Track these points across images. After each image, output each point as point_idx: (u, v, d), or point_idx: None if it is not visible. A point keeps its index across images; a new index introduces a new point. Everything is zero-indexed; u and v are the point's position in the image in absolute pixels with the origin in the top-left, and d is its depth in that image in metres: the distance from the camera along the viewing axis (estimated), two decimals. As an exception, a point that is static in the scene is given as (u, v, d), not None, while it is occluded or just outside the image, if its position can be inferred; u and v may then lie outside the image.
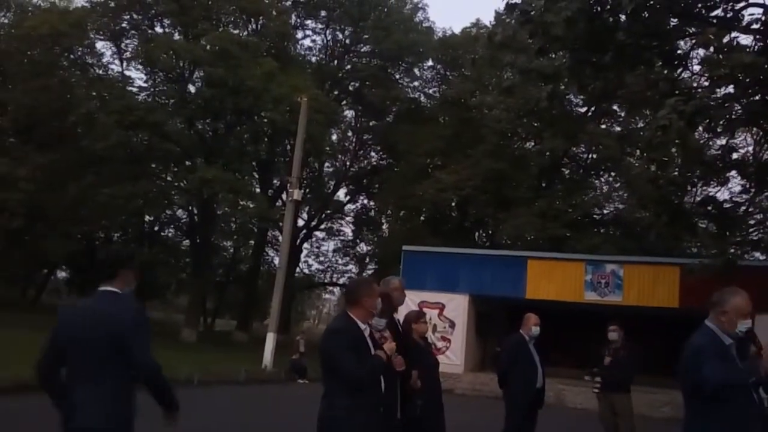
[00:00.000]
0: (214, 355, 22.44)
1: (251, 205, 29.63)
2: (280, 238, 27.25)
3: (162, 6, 28.19)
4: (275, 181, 34.12)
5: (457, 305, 21.44)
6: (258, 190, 32.80)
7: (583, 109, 27.26)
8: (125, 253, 4.61)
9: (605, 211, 30.68)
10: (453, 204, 30.67)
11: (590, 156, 31.06)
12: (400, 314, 6.33)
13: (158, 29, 29.98)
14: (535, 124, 27.06)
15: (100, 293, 3.77)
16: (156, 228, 36.38)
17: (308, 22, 33.78)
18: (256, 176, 34.20)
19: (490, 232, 31.64)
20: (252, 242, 35.08)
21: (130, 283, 3.91)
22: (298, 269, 35.42)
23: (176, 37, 29.50)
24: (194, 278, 31.20)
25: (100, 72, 30.69)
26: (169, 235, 37.49)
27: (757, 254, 23.24)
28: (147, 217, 34.38)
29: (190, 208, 32.43)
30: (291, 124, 24.93)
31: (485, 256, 22.96)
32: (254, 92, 26.27)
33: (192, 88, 29.97)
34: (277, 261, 28.40)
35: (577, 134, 26.76)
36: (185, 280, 35.11)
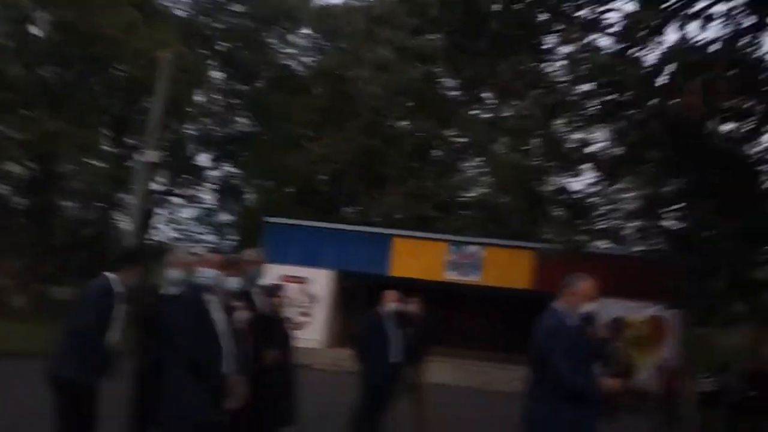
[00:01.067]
0: (51, 325, 22.21)
1: (101, 164, 29.11)
2: (132, 201, 26.98)
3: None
4: (129, 140, 33.45)
5: (320, 280, 22.52)
6: (109, 148, 32.14)
7: (457, 93, 28.97)
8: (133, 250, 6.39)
9: (471, 194, 32.77)
10: (323, 178, 31.55)
11: (460, 140, 32.97)
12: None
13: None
14: (410, 104, 28.54)
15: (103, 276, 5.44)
16: (-14, 184, 34.69)
17: (175, -29, 33.31)
18: (108, 134, 33.43)
19: (360, 208, 32.82)
20: (100, 204, 34.29)
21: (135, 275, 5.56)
22: (150, 236, 35.08)
23: (19, -28, 28.28)
24: (31, 241, 30.27)
25: None
26: (3, 192, 35.88)
27: (603, 242, 26.08)
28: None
29: (28, 163, 31.32)
30: (151, 81, 24.47)
31: (351, 232, 24.00)
32: (111, 42, 25.76)
33: (37, 31, 28.90)
34: (127, 226, 28.12)
35: (450, 117, 28.49)
36: (20, 242, 33.87)
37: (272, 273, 16.18)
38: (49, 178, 30.08)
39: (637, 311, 20.11)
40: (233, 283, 5.57)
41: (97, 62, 27.89)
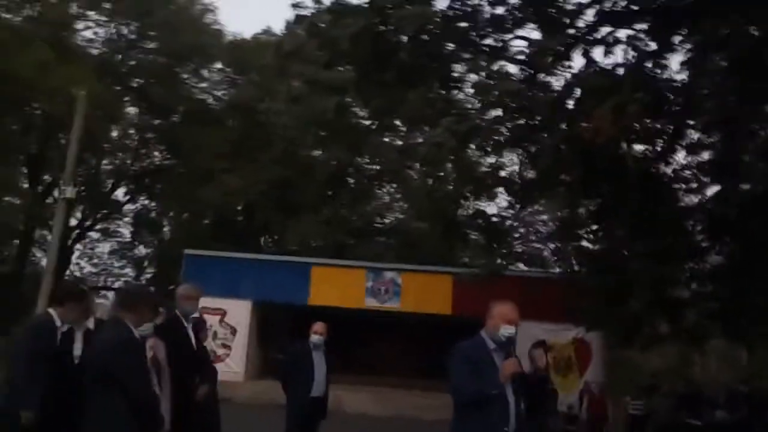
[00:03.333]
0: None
1: (17, 202, 27.26)
2: (49, 237, 25.08)
3: None
4: (46, 177, 31.25)
5: (239, 311, 20.92)
6: (26, 185, 29.78)
7: (368, 122, 28.06)
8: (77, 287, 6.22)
9: (386, 221, 31.73)
10: (239, 208, 30.09)
11: (374, 167, 32.01)
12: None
13: None
14: (323, 133, 27.38)
15: None
16: None
17: (90, 12, 31.28)
18: (25, 171, 31.12)
19: (275, 237, 31.45)
20: (16, 242, 31.83)
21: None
22: (68, 272, 32.70)
23: (-65, 16, 26.10)
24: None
25: None
26: None
27: (521, 265, 25.37)
28: None
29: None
30: (66, 118, 22.91)
31: (269, 262, 22.61)
32: (26, 82, 23.84)
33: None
34: (45, 262, 26.07)
35: (362, 146, 27.48)
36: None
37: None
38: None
39: (559, 334, 19.09)
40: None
41: (13, 102, 25.68)
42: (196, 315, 6.31)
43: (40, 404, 5.01)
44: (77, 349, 5.26)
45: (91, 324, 5.51)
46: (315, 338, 7.73)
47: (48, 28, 27.40)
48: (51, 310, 5.38)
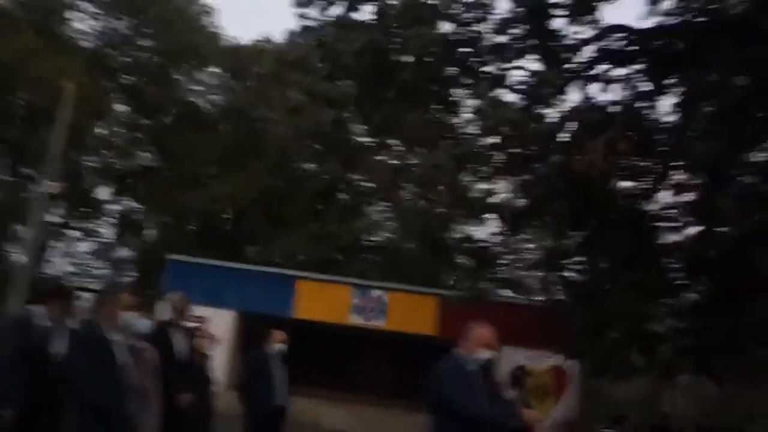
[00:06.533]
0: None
1: (-6, 194, 27.44)
2: (27, 233, 25.66)
3: None
4: (25, 170, 31.90)
5: (222, 321, 21.60)
6: (5, 177, 30.56)
7: (364, 139, 28.97)
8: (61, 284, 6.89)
9: (375, 239, 32.67)
10: (226, 216, 30.84)
11: (366, 184, 32.90)
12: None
13: None
14: (317, 147, 28.33)
15: None
16: None
17: (84, 3, 32.22)
18: (4, 162, 31.79)
19: (262, 248, 32.18)
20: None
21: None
22: (45, 270, 33.26)
23: None
24: None
25: None
26: None
27: (507, 291, 26.35)
28: None
29: None
30: (51, 110, 23.53)
31: (255, 273, 23.23)
32: (7, 67, 24.59)
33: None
34: (19, 258, 26.62)
35: (356, 162, 28.40)
36: None
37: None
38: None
39: (538, 360, 20.11)
40: (143, 324, 5.27)
41: (-5, 87, 26.35)
42: (196, 323, 7.05)
43: (21, 402, 5.13)
44: (57, 347, 5.36)
45: (74, 323, 5.69)
46: (278, 347, 8.27)
47: (36, 14, 28.08)
48: (30, 307, 5.72)
